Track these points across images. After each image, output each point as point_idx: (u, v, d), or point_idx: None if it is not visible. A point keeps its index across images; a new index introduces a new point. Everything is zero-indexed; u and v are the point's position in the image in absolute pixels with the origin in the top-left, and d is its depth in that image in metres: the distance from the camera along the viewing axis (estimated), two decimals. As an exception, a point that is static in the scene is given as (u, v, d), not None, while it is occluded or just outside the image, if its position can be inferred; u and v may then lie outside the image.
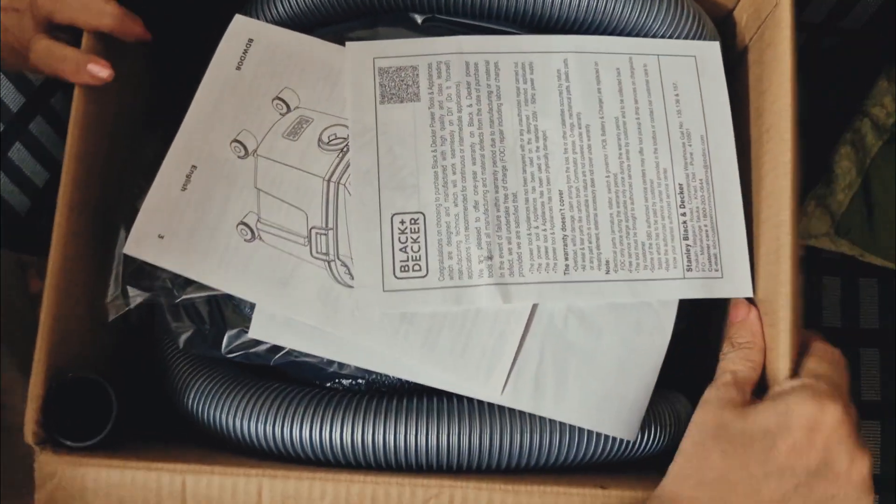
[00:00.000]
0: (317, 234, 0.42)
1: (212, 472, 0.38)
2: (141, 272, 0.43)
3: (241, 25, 0.45)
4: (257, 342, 0.42)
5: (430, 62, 0.44)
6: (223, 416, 0.42)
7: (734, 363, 0.40)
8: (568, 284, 0.42)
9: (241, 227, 0.42)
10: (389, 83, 0.44)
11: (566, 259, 0.42)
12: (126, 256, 0.42)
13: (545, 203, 0.43)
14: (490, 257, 0.42)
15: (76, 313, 0.42)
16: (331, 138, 0.44)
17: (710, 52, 0.46)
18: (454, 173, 0.43)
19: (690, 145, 0.44)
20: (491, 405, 0.41)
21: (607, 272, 0.42)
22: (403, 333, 0.41)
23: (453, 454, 0.40)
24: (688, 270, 0.43)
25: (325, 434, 0.40)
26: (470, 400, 0.41)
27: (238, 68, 0.44)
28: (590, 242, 0.42)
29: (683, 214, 0.43)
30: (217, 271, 0.42)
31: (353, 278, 0.42)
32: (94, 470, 0.38)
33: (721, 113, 0.45)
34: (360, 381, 0.43)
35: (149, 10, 0.45)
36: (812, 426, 0.35)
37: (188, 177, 0.43)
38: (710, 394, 0.39)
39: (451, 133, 0.43)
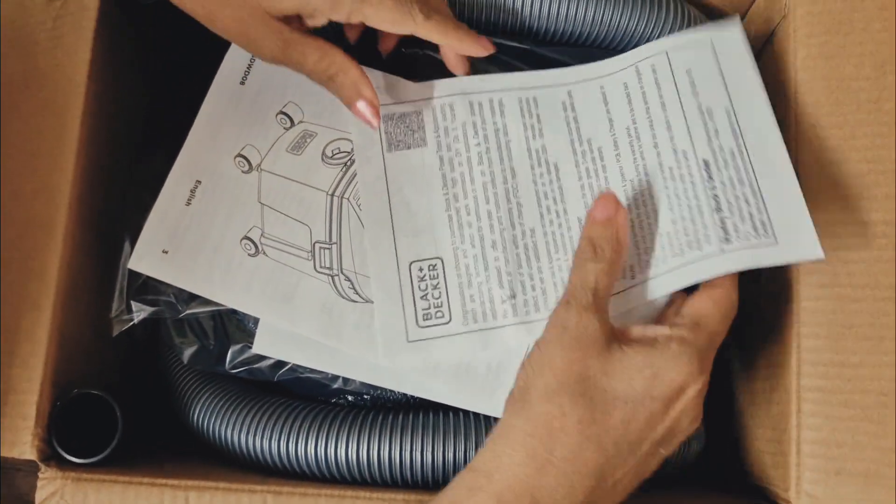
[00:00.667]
0: (321, 248, 0.42)
1: (215, 489, 0.38)
2: (146, 287, 0.43)
3: None
4: (261, 357, 0.42)
5: (433, 106, 0.44)
6: (228, 432, 0.41)
7: (596, 276, 0.35)
8: None
9: (244, 241, 0.42)
10: (395, 130, 0.44)
11: None
12: (131, 271, 0.42)
13: (564, 234, 0.42)
14: (513, 296, 0.40)
15: (81, 328, 0.42)
16: (335, 152, 0.43)
17: (728, 28, 0.43)
18: (468, 214, 0.42)
19: (713, 121, 0.41)
20: (497, 421, 0.41)
21: (633, 277, 0.40)
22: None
23: (460, 469, 0.40)
24: (726, 242, 0.38)
25: (331, 450, 0.40)
26: (476, 416, 0.41)
27: (242, 83, 0.44)
28: None
29: (713, 188, 0.39)
30: (221, 286, 0.41)
31: (356, 293, 0.41)
32: (96, 486, 0.38)
33: (748, 82, 0.41)
34: (364, 396, 0.42)
35: (151, 25, 0.45)
36: (674, 395, 0.33)
37: (192, 192, 0.43)
38: (569, 318, 0.34)
39: (462, 174, 0.43)
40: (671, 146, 0.41)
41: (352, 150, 0.43)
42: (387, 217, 0.42)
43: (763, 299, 0.42)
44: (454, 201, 0.42)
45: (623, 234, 0.37)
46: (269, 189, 0.43)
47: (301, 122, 0.44)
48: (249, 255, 0.42)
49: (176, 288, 0.42)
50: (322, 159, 0.43)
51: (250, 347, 0.42)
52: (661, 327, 0.35)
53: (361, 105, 0.40)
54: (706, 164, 0.40)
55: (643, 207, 0.41)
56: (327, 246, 0.42)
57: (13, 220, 0.41)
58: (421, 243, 0.42)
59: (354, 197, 0.43)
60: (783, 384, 0.38)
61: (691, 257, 0.38)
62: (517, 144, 0.43)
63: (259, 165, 0.43)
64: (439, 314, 0.41)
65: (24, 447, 0.39)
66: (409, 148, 0.43)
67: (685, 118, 0.41)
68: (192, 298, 0.42)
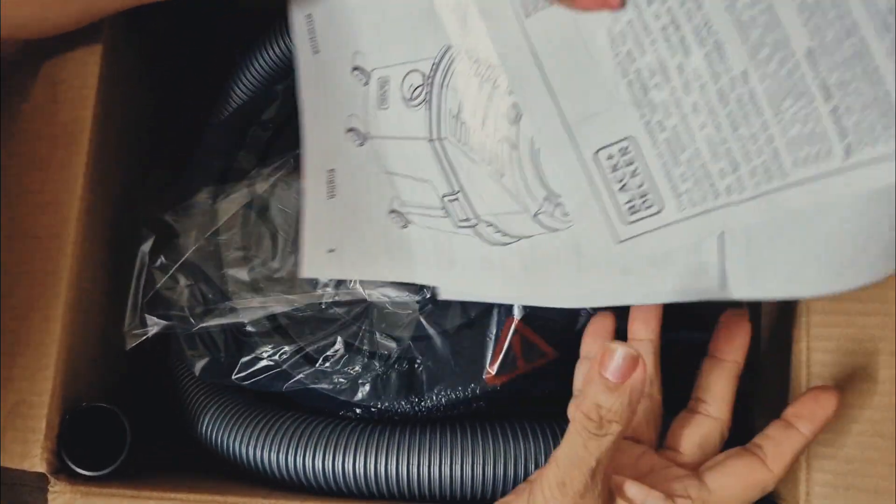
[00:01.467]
0: (450, 201, 0.37)
1: (224, 503, 0.38)
2: (157, 300, 0.43)
3: (296, 7, 0.40)
4: (269, 368, 0.42)
5: None
6: (236, 444, 0.42)
7: (599, 455, 0.29)
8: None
9: (392, 215, 0.38)
10: None
11: (844, 136, 0.28)
12: (139, 284, 0.42)
13: (791, 71, 0.28)
14: (735, 169, 0.30)
15: (89, 340, 0.42)
16: (411, 91, 0.37)
17: None
18: (652, 75, 0.31)
19: None
20: (505, 435, 0.40)
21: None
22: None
23: (466, 484, 0.40)
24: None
25: (338, 464, 0.40)
26: (484, 431, 0.41)
27: (315, 52, 0.40)
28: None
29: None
30: (391, 267, 0.38)
31: (504, 234, 0.36)
32: (105, 499, 0.38)
33: None
34: (372, 409, 0.42)
35: (156, 35, 0.45)
36: None
37: (330, 183, 0.40)
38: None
39: (631, 23, 0.31)
40: None
41: (424, 76, 0.36)
42: (548, 104, 0.33)
43: (772, 314, 0.42)
44: (630, 62, 0.31)
45: (637, 399, 0.29)
46: (384, 155, 0.38)
47: (373, 70, 0.38)
48: (401, 227, 0.38)
49: (188, 302, 0.42)
50: (405, 104, 0.37)
51: (260, 359, 0.42)
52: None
53: None
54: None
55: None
56: (454, 197, 0.37)
57: (22, 231, 0.42)
58: (602, 124, 0.32)
59: (452, 133, 0.36)
60: (792, 398, 0.38)
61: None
62: None
63: (367, 134, 0.39)
64: (647, 203, 0.32)
65: (35, 460, 0.39)
66: (552, 3, 0.32)
67: None
68: (205, 313, 0.43)
